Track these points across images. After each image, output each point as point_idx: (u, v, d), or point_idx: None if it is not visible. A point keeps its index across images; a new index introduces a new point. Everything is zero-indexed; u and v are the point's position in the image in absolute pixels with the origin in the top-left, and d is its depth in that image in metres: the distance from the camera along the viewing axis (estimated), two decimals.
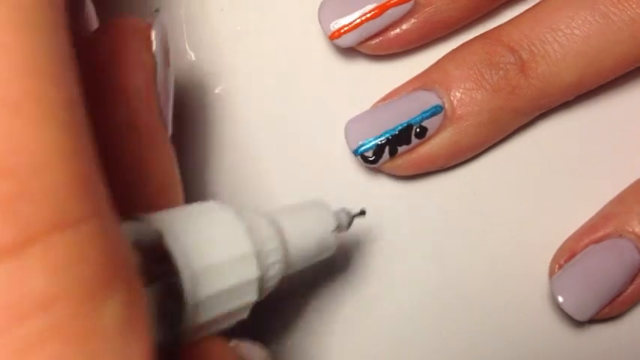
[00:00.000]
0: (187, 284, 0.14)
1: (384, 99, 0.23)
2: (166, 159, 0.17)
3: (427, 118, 0.22)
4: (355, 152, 0.22)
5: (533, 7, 0.23)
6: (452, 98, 0.22)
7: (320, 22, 0.23)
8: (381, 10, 0.22)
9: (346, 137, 0.22)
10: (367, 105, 0.24)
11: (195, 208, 0.16)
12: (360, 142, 0.22)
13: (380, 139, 0.22)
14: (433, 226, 0.24)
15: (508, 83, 0.22)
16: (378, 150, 0.22)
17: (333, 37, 0.23)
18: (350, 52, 0.24)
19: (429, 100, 0.22)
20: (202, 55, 0.25)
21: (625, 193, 0.23)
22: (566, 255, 0.22)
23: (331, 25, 0.23)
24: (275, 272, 0.17)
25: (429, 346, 0.23)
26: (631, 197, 0.22)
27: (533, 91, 0.22)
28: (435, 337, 0.23)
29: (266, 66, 0.25)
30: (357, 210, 0.20)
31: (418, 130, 0.22)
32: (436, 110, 0.22)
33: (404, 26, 0.23)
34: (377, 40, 0.23)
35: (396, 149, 0.22)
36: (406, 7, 0.23)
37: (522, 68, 0.22)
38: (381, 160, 0.22)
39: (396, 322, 0.23)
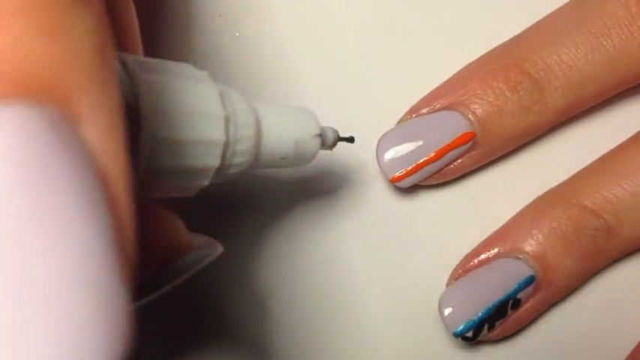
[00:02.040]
0: (147, 117, 0.13)
1: (464, 267, 0.23)
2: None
3: (522, 289, 0.22)
4: (455, 335, 0.22)
5: (610, 162, 0.22)
6: (543, 266, 0.22)
7: (379, 166, 0.23)
8: (440, 154, 0.22)
9: (443, 319, 0.22)
10: (369, 106, 0.24)
11: (170, 63, 0.15)
12: (461, 327, 0.22)
13: (479, 320, 0.22)
14: (432, 230, 0.24)
15: (595, 248, 0.22)
16: (478, 328, 0.22)
17: (394, 180, 0.23)
18: (352, 55, 0.25)
19: (521, 270, 0.22)
20: (201, 60, 0.25)
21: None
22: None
23: (392, 171, 0.22)
24: (245, 148, 0.16)
25: (428, 350, 0.23)
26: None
27: (618, 253, 0.22)
28: (434, 341, 0.23)
29: (265, 71, 0.24)
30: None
31: (513, 302, 0.22)
32: (530, 281, 0.22)
33: (460, 160, 0.23)
34: (435, 175, 0.23)
35: (494, 324, 0.22)
36: (464, 147, 0.22)
37: (609, 233, 0.22)
38: (480, 336, 0.22)
39: (395, 325, 0.23)
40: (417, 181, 0.23)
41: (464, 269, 0.23)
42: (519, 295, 0.22)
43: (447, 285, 0.23)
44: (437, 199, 0.24)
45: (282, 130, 0.17)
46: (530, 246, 0.22)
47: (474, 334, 0.22)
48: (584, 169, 0.23)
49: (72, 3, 0.09)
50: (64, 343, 0.08)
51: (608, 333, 0.23)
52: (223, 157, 0.15)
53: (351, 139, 0.20)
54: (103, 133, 0.09)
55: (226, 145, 0.15)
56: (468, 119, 0.22)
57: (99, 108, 0.09)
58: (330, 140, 0.19)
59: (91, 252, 0.08)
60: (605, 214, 0.22)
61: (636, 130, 0.23)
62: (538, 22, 0.23)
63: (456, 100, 0.23)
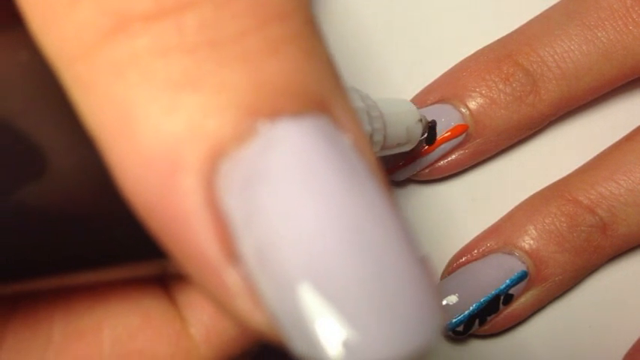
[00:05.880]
0: None
1: (457, 261, 0.23)
2: None
3: (514, 285, 0.22)
4: (446, 328, 0.22)
5: (606, 159, 0.22)
6: (536, 262, 0.22)
7: None
8: (433, 146, 0.22)
9: None
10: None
11: None
12: (451, 321, 0.22)
13: (470, 314, 0.22)
14: (432, 230, 0.24)
15: (590, 244, 0.22)
16: (469, 323, 0.22)
17: (387, 172, 0.23)
18: (359, 52, 0.25)
19: (513, 266, 0.22)
20: None
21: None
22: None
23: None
24: (379, 139, 0.17)
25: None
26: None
27: (615, 249, 0.22)
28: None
29: None
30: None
31: (505, 297, 0.22)
32: (522, 276, 0.22)
33: (453, 156, 0.23)
34: (427, 170, 0.23)
35: (485, 319, 0.22)
36: (457, 140, 0.22)
37: (604, 229, 0.22)
38: (471, 331, 0.22)
39: None
40: (411, 174, 0.23)
41: (457, 264, 0.23)
42: (512, 291, 0.22)
43: (440, 279, 0.23)
44: (437, 200, 0.24)
45: (397, 120, 0.18)
46: (523, 242, 0.22)
47: (464, 329, 0.22)
48: (580, 166, 0.23)
49: (315, 31, 0.10)
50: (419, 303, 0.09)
51: (606, 332, 0.23)
52: None
53: (433, 123, 0.21)
54: (357, 138, 0.10)
55: (370, 137, 0.16)
56: (461, 112, 0.22)
57: (349, 117, 0.10)
58: (424, 124, 0.20)
59: (394, 219, 0.10)
60: (600, 210, 0.22)
61: (633, 128, 0.23)
62: (533, 18, 0.24)
63: (449, 93, 0.23)
